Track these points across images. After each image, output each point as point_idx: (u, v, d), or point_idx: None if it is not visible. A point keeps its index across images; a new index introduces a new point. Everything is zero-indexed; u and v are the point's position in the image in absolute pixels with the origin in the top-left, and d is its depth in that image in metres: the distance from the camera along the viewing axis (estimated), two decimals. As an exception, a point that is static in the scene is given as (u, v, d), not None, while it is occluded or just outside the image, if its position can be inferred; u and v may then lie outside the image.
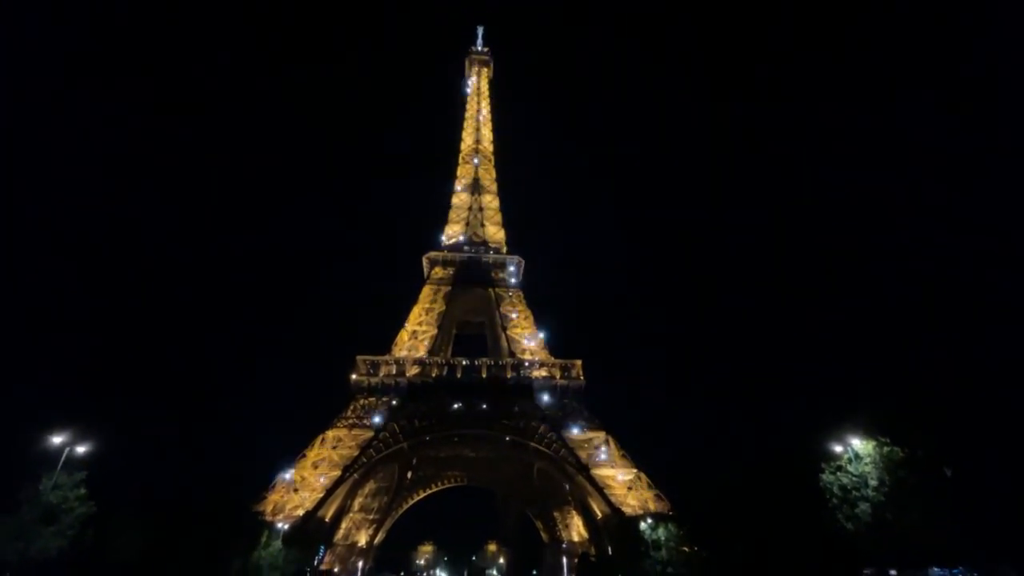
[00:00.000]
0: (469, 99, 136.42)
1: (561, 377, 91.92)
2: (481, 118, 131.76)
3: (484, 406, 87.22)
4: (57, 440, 27.32)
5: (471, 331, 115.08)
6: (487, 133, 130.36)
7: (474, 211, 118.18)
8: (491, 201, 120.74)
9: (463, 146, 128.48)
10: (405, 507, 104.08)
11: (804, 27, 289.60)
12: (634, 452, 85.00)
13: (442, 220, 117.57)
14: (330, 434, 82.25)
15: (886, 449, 28.87)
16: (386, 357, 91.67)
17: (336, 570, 78.91)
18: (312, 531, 69.76)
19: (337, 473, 77.06)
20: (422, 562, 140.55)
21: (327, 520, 78.15)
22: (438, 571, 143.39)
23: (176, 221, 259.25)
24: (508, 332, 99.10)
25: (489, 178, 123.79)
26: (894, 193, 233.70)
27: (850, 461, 29.69)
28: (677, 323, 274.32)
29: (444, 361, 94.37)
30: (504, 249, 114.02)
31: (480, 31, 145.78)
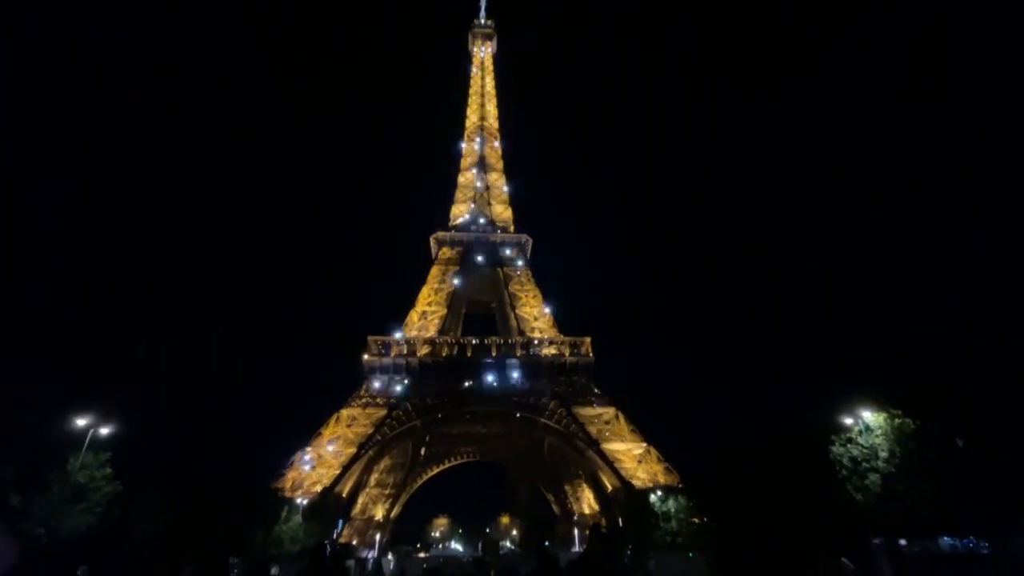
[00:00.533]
0: (473, 75, 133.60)
1: (570, 354, 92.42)
2: (485, 94, 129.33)
3: (494, 384, 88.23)
4: (81, 422, 28.20)
5: (480, 310, 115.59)
6: (492, 109, 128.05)
7: (480, 190, 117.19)
8: (497, 179, 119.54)
9: (468, 123, 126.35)
10: (420, 482, 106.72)
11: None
12: (644, 427, 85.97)
13: (449, 200, 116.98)
14: (344, 413, 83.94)
15: (897, 421, 28.83)
16: (396, 337, 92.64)
17: (355, 543, 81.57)
18: (330, 506, 71.88)
19: (352, 450, 78.91)
20: (437, 534, 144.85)
21: (344, 495, 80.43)
22: (453, 543, 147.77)
23: (187, 207, 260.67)
24: (517, 311, 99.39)
25: (495, 156, 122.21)
26: (911, 167, 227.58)
27: (860, 433, 29.70)
28: (686, 299, 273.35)
29: (454, 340, 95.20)
30: (511, 228, 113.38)
31: (483, 3, 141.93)
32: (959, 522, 28.39)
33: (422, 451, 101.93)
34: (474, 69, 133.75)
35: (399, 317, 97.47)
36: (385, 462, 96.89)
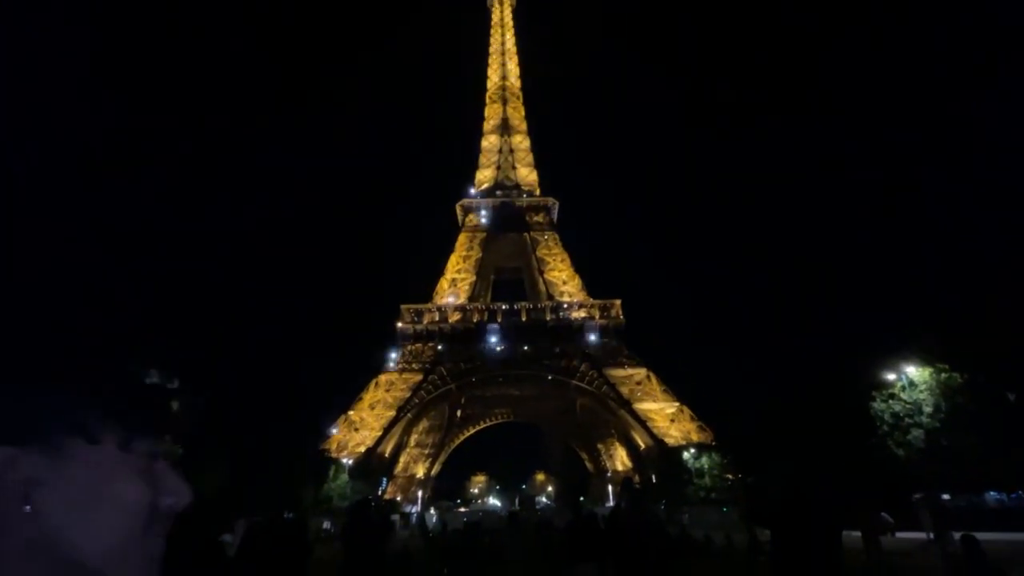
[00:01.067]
0: (492, 32, 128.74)
1: (600, 317, 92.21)
2: (506, 52, 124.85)
3: (525, 348, 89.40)
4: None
5: (509, 276, 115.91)
6: (513, 68, 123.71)
7: (504, 153, 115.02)
8: (521, 142, 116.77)
9: (489, 84, 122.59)
10: (457, 442, 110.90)
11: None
12: (677, 387, 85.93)
13: (474, 165, 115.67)
14: (383, 378, 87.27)
15: (943, 375, 27.81)
16: (428, 305, 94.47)
17: (398, 499, 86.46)
18: (374, 465, 76.01)
19: (392, 413, 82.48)
20: (476, 491, 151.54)
21: (387, 455, 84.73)
22: (491, 499, 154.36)
23: (211, 195, 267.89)
24: (545, 275, 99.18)
25: (518, 117, 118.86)
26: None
27: (903, 388, 28.84)
28: (718, 254, 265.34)
29: (484, 306, 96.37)
30: (537, 191, 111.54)
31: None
32: (1007, 477, 27.52)
33: (458, 413, 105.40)
34: (493, 27, 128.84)
35: (431, 286, 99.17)
36: (423, 424, 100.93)
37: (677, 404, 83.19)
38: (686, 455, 62.41)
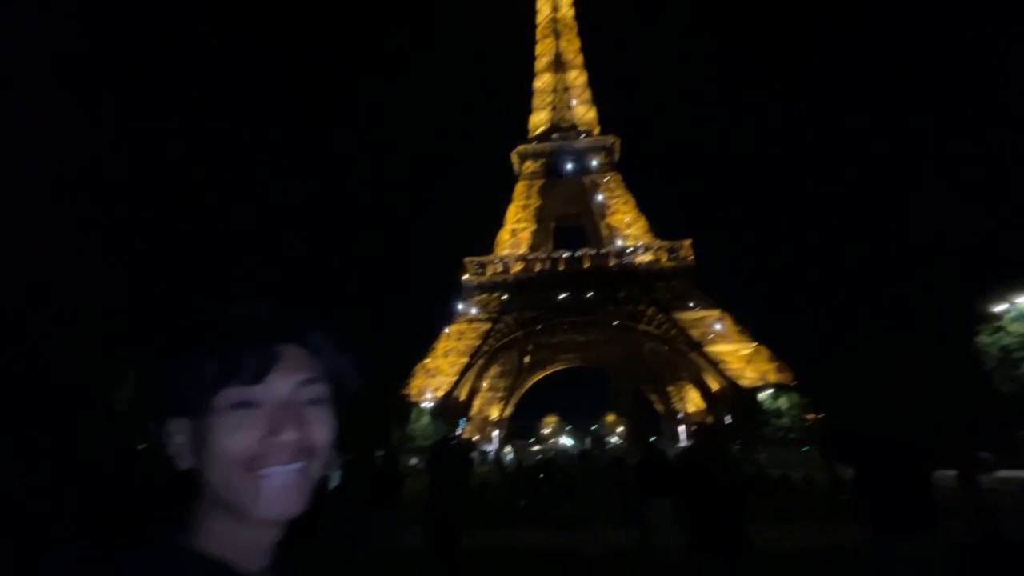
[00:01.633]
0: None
1: (668, 259, 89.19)
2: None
3: (589, 295, 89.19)
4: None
5: (571, 222, 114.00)
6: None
7: (559, 92, 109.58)
8: (577, 78, 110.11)
9: (539, 18, 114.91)
10: (527, 385, 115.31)
11: None
12: (753, 327, 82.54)
13: (527, 110, 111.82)
14: (453, 328, 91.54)
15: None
16: (491, 257, 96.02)
17: (476, 438, 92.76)
18: (452, 407, 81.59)
19: (464, 360, 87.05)
20: (548, 431, 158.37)
21: (462, 399, 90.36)
22: (562, 438, 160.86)
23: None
24: (608, 219, 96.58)
25: (572, 51, 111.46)
26: None
27: (1013, 320, 25.95)
28: (793, 177, 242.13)
29: (546, 255, 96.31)
30: (596, 131, 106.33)
31: None
32: None
33: (526, 359, 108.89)
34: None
35: (493, 237, 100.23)
36: (494, 369, 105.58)
37: (754, 344, 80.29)
38: (763, 395, 60.93)
